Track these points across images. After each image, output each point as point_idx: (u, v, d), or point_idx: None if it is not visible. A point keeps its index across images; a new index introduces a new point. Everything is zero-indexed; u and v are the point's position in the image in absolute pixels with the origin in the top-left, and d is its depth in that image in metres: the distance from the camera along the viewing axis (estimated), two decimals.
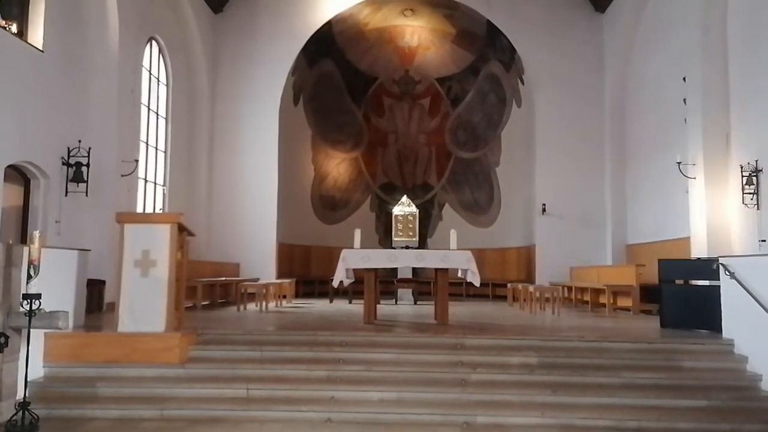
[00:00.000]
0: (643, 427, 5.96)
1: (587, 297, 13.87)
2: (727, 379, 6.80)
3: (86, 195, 11.29)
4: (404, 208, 17.95)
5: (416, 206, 18.24)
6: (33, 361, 6.47)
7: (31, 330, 5.87)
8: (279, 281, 14.13)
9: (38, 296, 5.76)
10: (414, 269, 15.83)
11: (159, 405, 6.26)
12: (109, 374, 6.82)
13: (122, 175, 12.21)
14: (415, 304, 15.04)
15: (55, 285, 6.95)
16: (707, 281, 8.40)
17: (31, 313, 5.73)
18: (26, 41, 10.46)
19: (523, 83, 17.82)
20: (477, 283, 9.14)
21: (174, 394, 6.52)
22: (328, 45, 18.52)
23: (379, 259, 9.27)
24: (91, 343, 7.08)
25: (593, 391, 6.52)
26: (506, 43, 17.40)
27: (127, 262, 7.15)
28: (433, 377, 6.84)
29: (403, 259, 9.34)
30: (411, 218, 17.87)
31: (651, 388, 6.58)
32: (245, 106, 17.32)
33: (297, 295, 16.46)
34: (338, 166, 20.63)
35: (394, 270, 15.68)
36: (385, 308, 12.90)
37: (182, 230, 7.63)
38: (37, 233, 5.77)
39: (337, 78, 19.91)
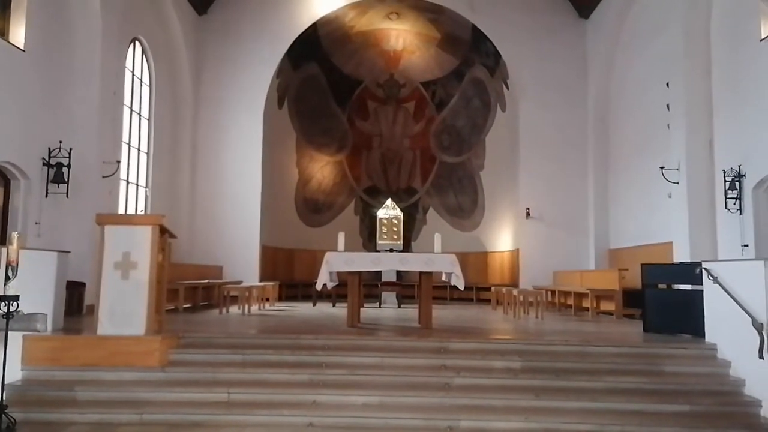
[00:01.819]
0: None
1: (570, 301, 13.90)
2: (710, 383, 6.80)
3: (67, 196, 11.14)
4: (389, 211, 17.99)
5: (400, 210, 18.26)
6: (11, 364, 6.35)
7: (9, 332, 5.76)
8: (262, 284, 14.03)
9: (16, 298, 5.65)
10: (398, 273, 15.83)
11: (138, 409, 6.19)
12: (88, 378, 6.72)
13: (104, 177, 12.07)
14: (399, 307, 15.01)
15: (34, 287, 6.87)
16: (690, 285, 8.42)
17: (8, 315, 5.62)
18: (7, 41, 10.31)
19: (507, 88, 17.85)
20: (461, 287, 9.11)
21: (153, 398, 6.44)
22: (313, 48, 18.46)
23: (362, 262, 9.22)
24: (70, 346, 6.97)
25: (576, 395, 6.50)
26: (491, 47, 17.44)
27: (107, 264, 7.05)
28: (417, 381, 6.80)
29: (387, 263, 9.28)
30: (396, 222, 17.91)
31: (634, 392, 6.58)
32: (229, 109, 17.22)
33: (280, 299, 16.41)
34: (322, 169, 20.57)
35: (378, 273, 15.68)
36: (368, 311, 12.85)
37: (164, 232, 7.54)
38: (15, 234, 5.67)
39: (321, 81, 19.87)
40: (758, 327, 6.28)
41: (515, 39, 17.25)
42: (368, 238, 20.52)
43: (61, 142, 11.11)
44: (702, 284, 7.59)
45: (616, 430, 5.97)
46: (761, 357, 6.24)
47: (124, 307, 7.03)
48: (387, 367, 7.04)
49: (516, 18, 17.28)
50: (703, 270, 7.46)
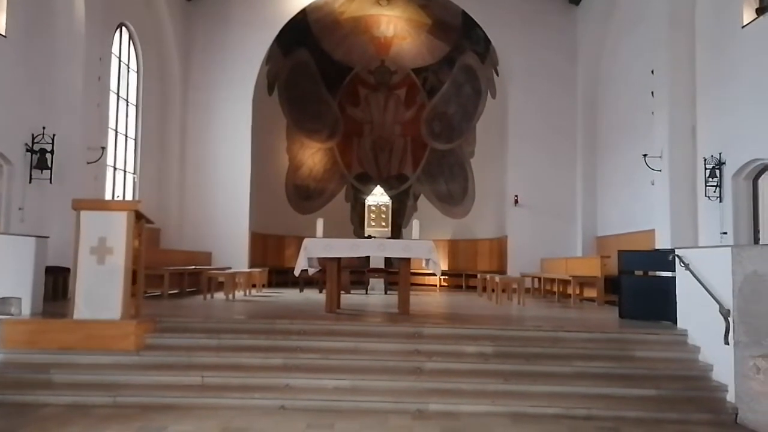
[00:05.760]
0: (593, 415, 6.04)
1: (556, 288, 13.99)
2: (679, 369, 6.89)
3: (50, 182, 11.16)
4: (377, 198, 18.06)
5: (391, 197, 18.35)
6: None
7: None
8: (248, 270, 14.09)
9: None
10: (387, 259, 15.90)
11: (112, 392, 6.27)
12: (64, 361, 6.81)
13: (89, 163, 12.10)
14: (386, 293, 15.07)
15: (11, 271, 6.93)
16: (666, 272, 8.49)
17: None
18: None
19: (497, 75, 17.84)
20: (438, 273, 9.20)
21: (128, 381, 6.53)
22: (303, 34, 18.41)
23: (340, 248, 9.28)
24: (47, 329, 7.05)
25: (545, 379, 6.60)
26: (481, 34, 17.40)
27: (83, 249, 7.11)
28: (389, 365, 6.89)
29: (365, 249, 9.35)
30: (384, 209, 17.99)
31: (602, 377, 6.68)
32: (218, 95, 17.20)
33: (270, 285, 16.49)
34: (313, 155, 20.57)
35: (367, 260, 15.73)
36: (353, 298, 12.94)
37: (140, 218, 7.59)
38: None
39: (312, 67, 19.82)
40: (725, 313, 6.35)
41: (505, 26, 17.20)
42: (359, 225, 20.51)
43: (44, 127, 11.09)
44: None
45: (582, 413, 6.06)
46: (726, 343, 6.32)
47: (100, 291, 7.10)
48: (361, 352, 7.13)
49: (506, 4, 17.22)
50: (675, 257, 7.51)
